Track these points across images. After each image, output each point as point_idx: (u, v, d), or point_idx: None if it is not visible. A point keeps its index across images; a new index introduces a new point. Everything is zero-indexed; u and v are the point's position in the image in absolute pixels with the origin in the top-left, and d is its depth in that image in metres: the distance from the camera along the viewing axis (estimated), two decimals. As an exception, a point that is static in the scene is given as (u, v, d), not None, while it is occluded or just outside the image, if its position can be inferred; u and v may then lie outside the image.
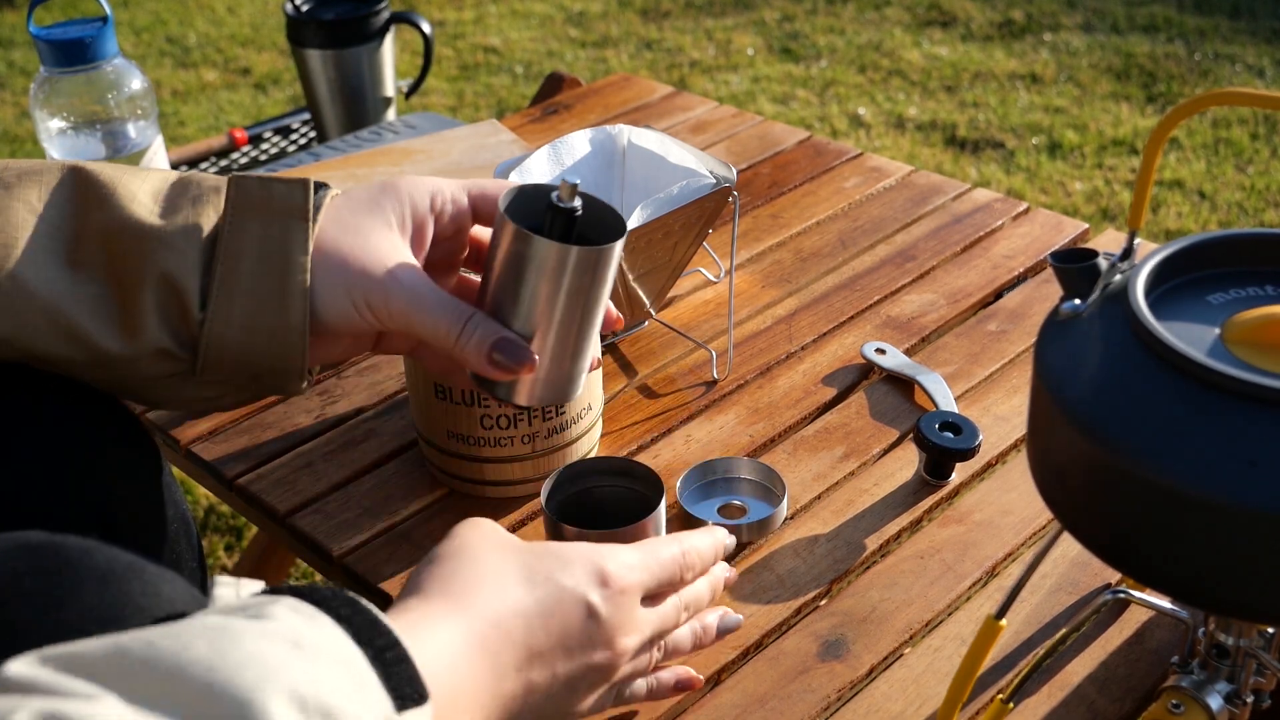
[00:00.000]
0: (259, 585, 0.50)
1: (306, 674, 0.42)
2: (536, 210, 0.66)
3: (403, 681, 0.47)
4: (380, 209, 0.65)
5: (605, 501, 0.77)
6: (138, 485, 0.66)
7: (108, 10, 1.19)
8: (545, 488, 0.74)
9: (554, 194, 0.65)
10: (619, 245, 0.66)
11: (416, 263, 0.65)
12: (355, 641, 0.46)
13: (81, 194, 0.62)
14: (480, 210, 0.69)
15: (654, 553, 0.64)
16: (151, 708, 0.39)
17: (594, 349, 0.70)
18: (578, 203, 0.65)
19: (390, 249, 0.64)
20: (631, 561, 0.62)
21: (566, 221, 0.65)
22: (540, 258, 0.64)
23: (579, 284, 0.65)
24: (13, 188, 0.62)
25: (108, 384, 0.64)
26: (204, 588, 0.70)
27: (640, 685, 0.66)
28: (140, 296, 0.61)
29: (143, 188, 0.63)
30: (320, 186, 0.66)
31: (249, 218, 0.63)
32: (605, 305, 0.69)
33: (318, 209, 0.64)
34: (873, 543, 0.80)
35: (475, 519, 0.62)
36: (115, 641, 0.41)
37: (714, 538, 0.69)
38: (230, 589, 0.49)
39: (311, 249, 0.63)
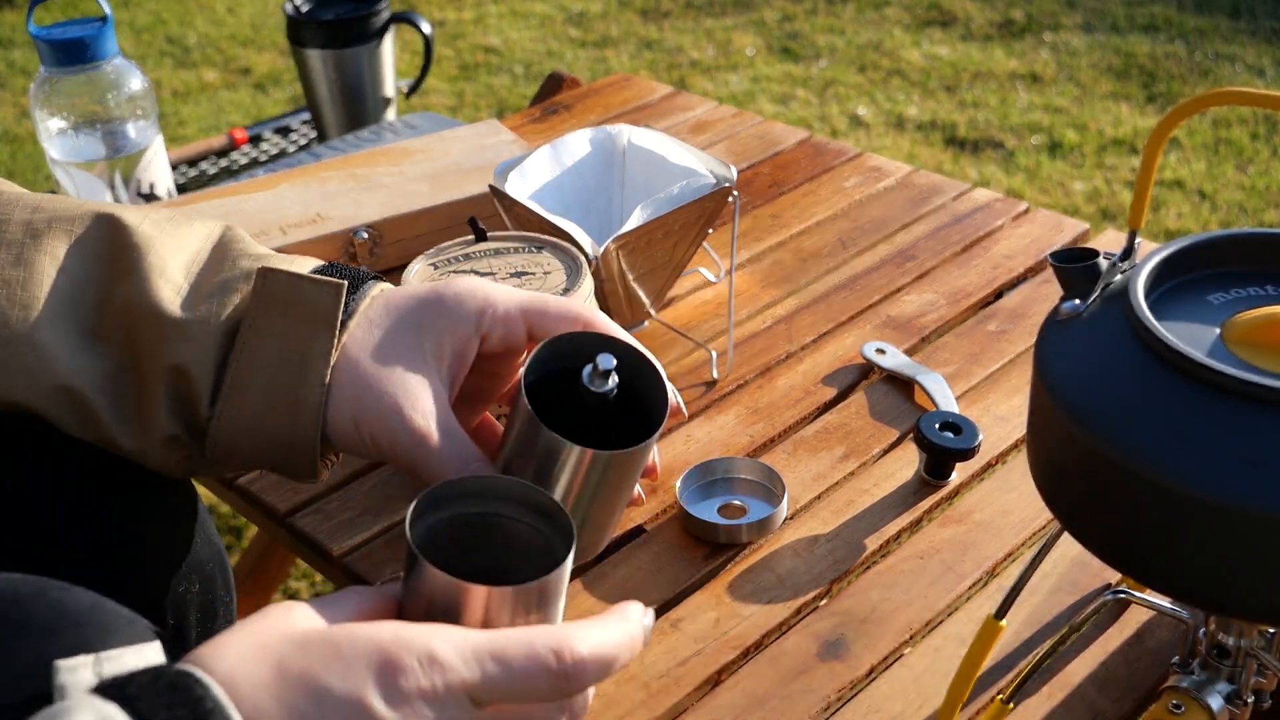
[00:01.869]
0: (143, 659, 0.44)
1: None
2: (567, 378, 0.57)
3: None
4: (418, 328, 0.59)
5: (511, 543, 0.53)
6: (172, 526, 0.65)
7: (108, 10, 1.19)
8: (417, 503, 0.51)
9: (585, 371, 0.57)
10: (651, 444, 0.56)
11: (441, 400, 0.58)
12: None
13: (111, 255, 0.59)
14: (536, 333, 0.60)
15: (503, 648, 0.45)
16: None
17: (620, 514, 0.61)
18: (611, 384, 0.57)
19: (415, 385, 0.58)
20: (450, 652, 0.44)
21: (596, 406, 0.57)
22: (553, 453, 0.55)
23: (600, 479, 0.56)
24: (41, 237, 0.58)
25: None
26: (230, 618, 0.69)
27: None
28: (153, 385, 0.58)
29: (176, 257, 0.59)
30: (362, 282, 0.60)
31: (272, 315, 0.57)
32: (635, 484, 0.60)
33: (351, 314, 0.59)
34: (873, 543, 0.80)
35: (269, 608, 0.47)
36: None
37: (625, 633, 0.48)
38: (85, 672, 0.43)
39: (334, 359, 0.58)
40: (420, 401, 0.57)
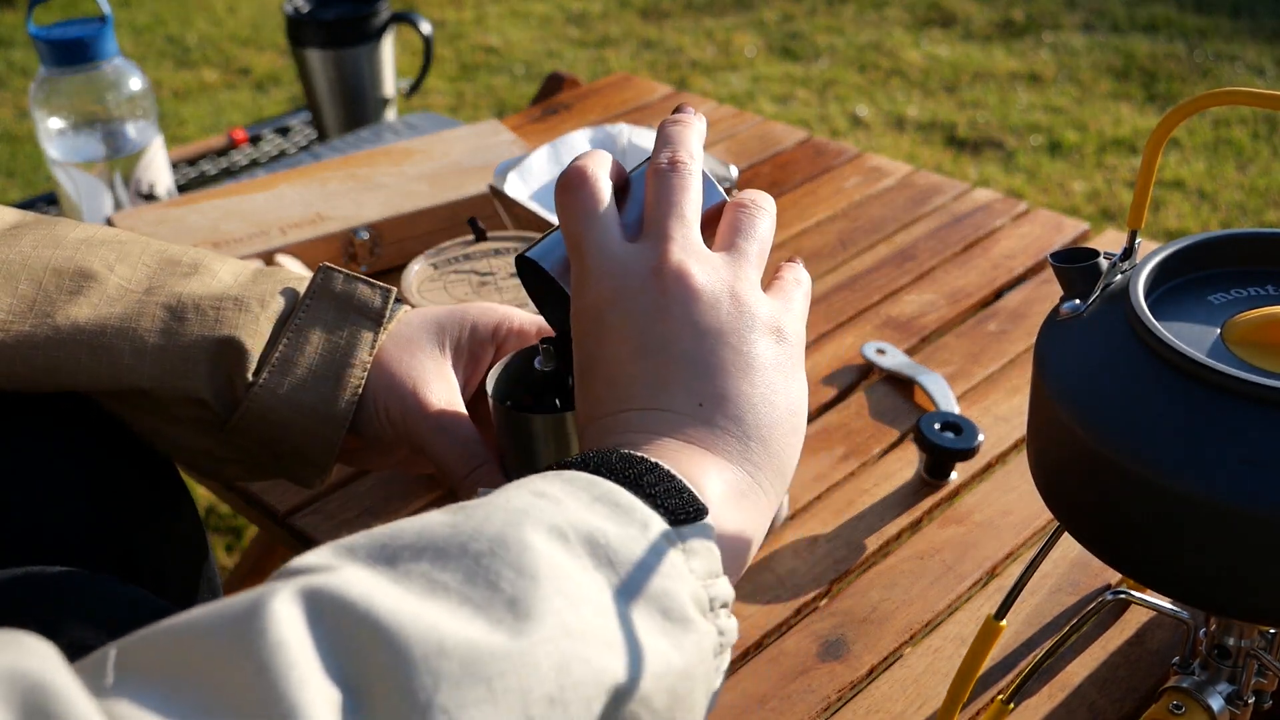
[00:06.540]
0: None
1: (558, 513, 0.42)
2: (531, 377, 0.64)
3: (669, 497, 0.45)
4: (440, 329, 0.66)
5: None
6: (164, 527, 0.66)
7: (107, 10, 1.19)
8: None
9: (536, 359, 0.64)
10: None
11: (454, 389, 0.65)
12: (609, 477, 0.45)
13: (163, 263, 0.63)
14: None
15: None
16: (399, 572, 0.39)
17: None
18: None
19: (432, 371, 0.64)
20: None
21: (556, 384, 0.63)
22: (513, 425, 0.62)
23: (567, 442, 0.62)
24: (95, 248, 0.62)
25: (128, 416, 0.64)
26: None
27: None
28: (199, 346, 0.61)
29: (224, 267, 0.65)
30: (400, 300, 0.67)
31: (327, 305, 0.64)
32: None
33: (390, 319, 0.65)
34: (873, 543, 0.80)
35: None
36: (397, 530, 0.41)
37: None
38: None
39: (374, 354, 0.64)
40: (435, 393, 0.63)
